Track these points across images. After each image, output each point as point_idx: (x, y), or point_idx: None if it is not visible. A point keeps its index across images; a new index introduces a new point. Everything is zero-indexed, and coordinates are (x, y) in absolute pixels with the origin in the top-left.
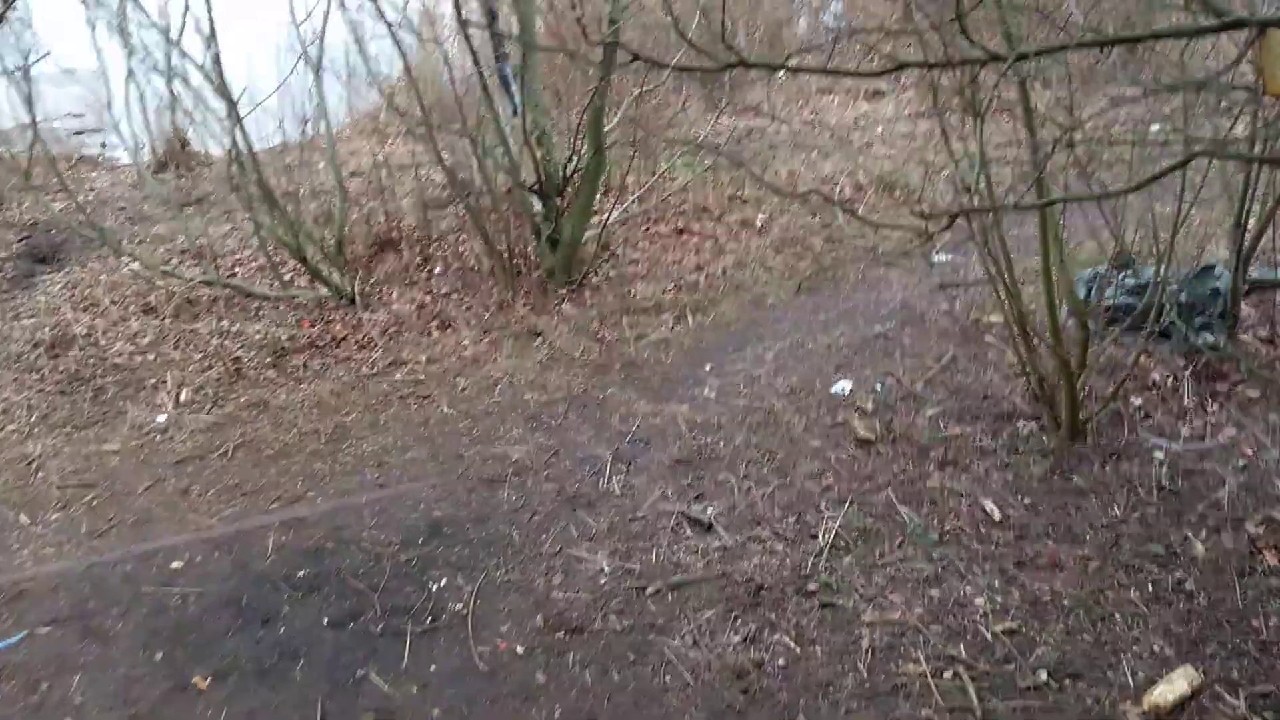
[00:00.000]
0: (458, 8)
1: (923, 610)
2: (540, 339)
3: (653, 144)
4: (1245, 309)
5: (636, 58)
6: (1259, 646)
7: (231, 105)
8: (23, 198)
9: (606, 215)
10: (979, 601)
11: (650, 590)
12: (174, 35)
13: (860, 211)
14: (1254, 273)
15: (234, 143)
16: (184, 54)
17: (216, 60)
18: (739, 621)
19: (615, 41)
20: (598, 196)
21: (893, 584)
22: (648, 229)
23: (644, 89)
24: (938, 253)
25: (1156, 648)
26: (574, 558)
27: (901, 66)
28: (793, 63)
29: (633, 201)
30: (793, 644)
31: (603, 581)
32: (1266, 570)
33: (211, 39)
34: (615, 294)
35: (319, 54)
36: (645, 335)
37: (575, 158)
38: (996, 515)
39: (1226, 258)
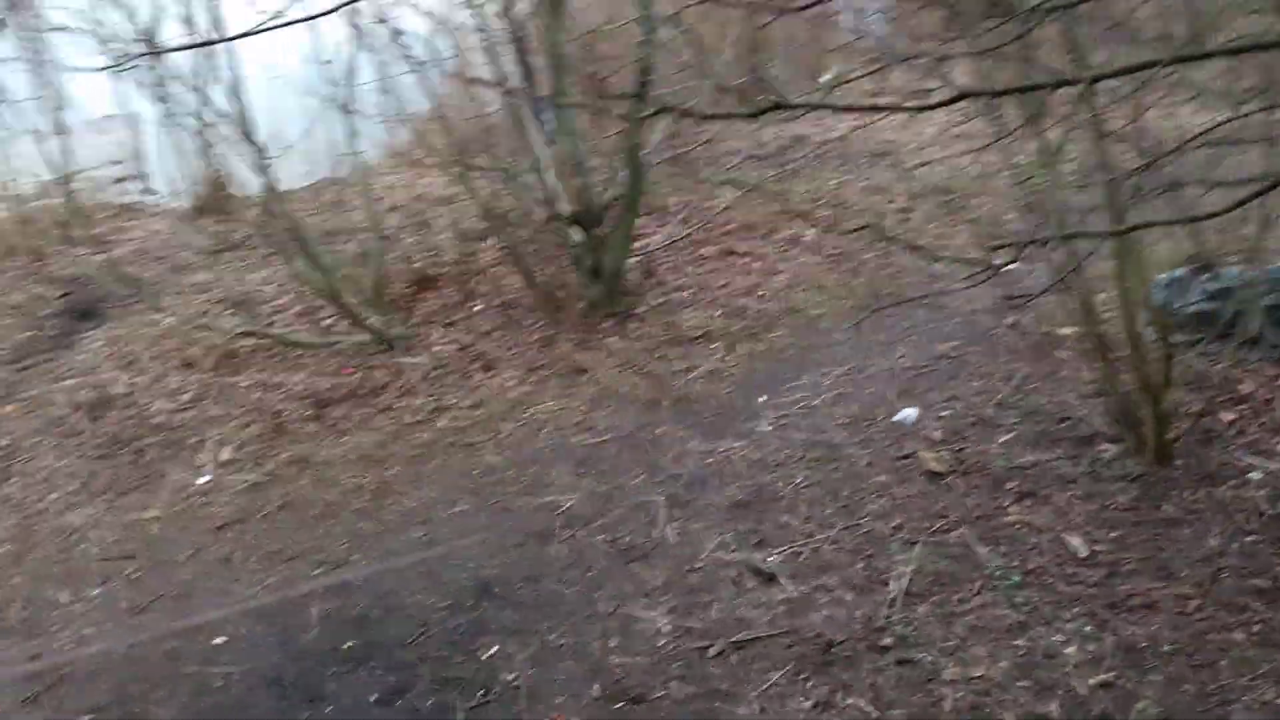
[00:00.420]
0: (491, 50)
1: (1008, 664)
2: (586, 376)
3: (695, 161)
4: None
5: (664, 109)
6: None
7: (260, 154)
8: (63, 252)
9: (649, 241)
10: (1069, 651)
11: (713, 651)
12: (199, 83)
13: (915, 224)
14: None
15: (264, 190)
16: (211, 106)
17: (243, 112)
18: (810, 684)
19: (641, 93)
20: (639, 221)
21: (974, 634)
22: (693, 252)
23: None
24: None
25: (1269, 697)
26: (631, 617)
27: (964, 96)
28: (838, 100)
29: (676, 224)
30: (869, 707)
31: (662, 643)
32: None
33: (237, 88)
34: (662, 324)
35: (348, 94)
36: (695, 367)
37: (614, 184)
38: (1083, 552)
39: None
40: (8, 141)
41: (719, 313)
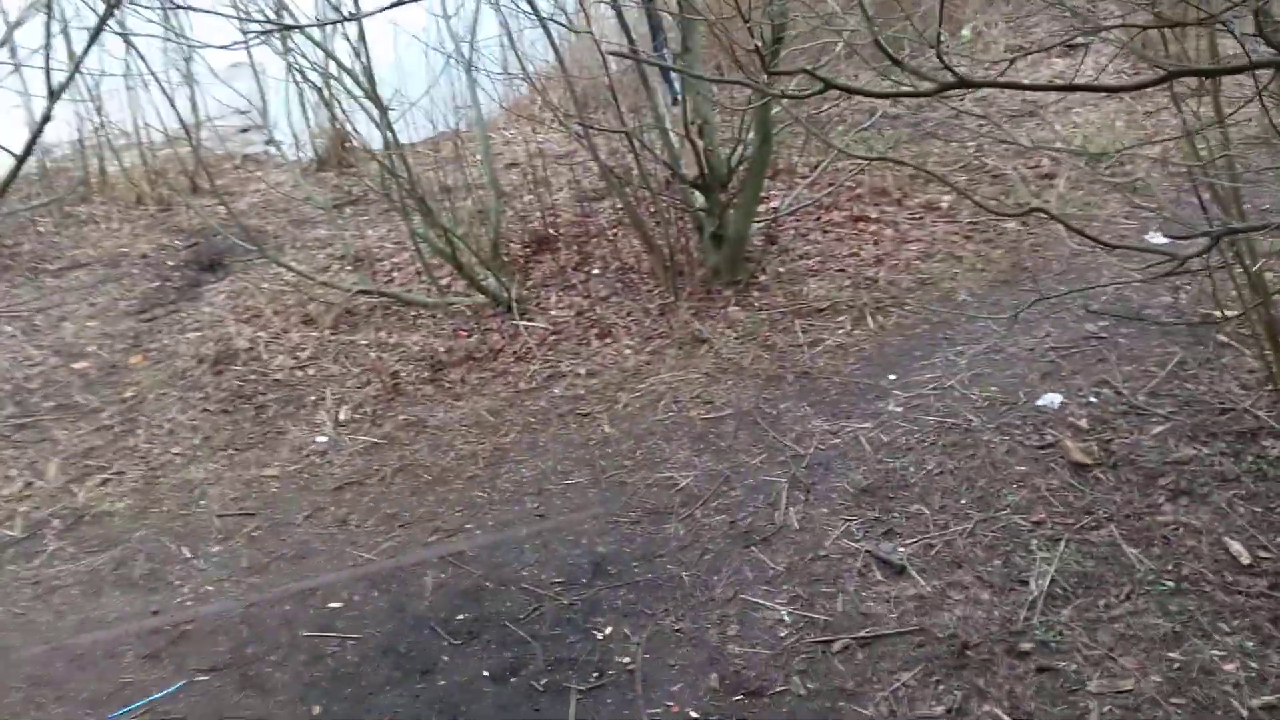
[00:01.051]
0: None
1: (1161, 678)
2: (705, 346)
3: (827, 120)
4: None
5: (829, 86)
6: None
7: (382, 111)
8: (189, 202)
9: (775, 205)
10: (1230, 668)
11: (838, 646)
12: (323, 36)
13: (1063, 189)
14: None
15: (385, 147)
16: (335, 60)
17: (367, 67)
18: (941, 687)
19: (774, 61)
20: (764, 184)
21: (1122, 643)
22: (820, 218)
23: (815, 66)
24: (1155, 233)
25: None
26: (750, 604)
27: (1173, 75)
28: (1024, 77)
29: (803, 188)
30: (1006, 716)
31: (783, 634)
32: None
33: (361, 42)
34: (786, 294)
35: (470, 51)
36: (820, 340)
37: (741, 146)
38: (1245, 558)
39: None
40: (137, 90)
41: (846, 283)
